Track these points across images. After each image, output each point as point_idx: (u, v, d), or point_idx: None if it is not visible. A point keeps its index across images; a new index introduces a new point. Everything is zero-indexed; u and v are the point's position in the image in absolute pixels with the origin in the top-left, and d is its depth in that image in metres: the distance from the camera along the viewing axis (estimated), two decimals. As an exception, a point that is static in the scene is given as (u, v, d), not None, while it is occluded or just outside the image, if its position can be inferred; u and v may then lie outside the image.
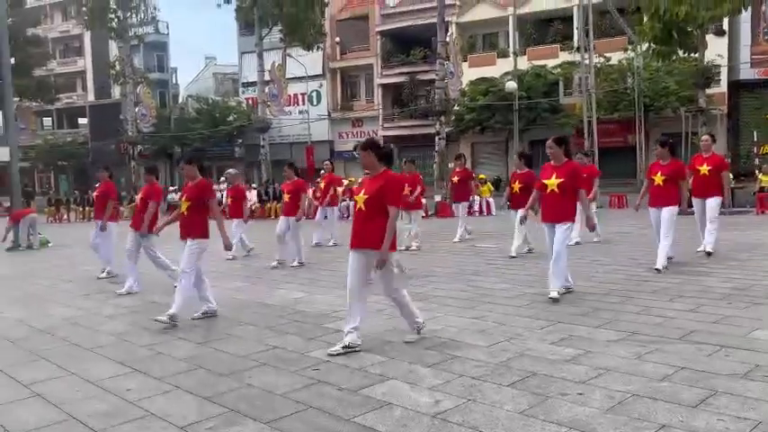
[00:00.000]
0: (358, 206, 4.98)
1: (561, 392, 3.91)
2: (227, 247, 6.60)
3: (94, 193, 10.11)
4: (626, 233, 12.50)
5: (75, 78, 50.56)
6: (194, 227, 6.23)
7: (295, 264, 9.82)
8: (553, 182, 6.51)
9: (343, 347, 4.88)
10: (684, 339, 4.91)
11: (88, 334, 5.96)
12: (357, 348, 4.91)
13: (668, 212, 7.95)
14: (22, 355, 5.29)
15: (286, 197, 10.17)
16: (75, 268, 10.75)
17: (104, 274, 9.34)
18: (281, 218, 10.24)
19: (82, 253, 11.70)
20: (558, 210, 6.50)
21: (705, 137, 9.72)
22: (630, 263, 8.74)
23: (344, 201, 20.19)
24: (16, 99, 32.52)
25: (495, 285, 7.53)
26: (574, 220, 6.65)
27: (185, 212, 6.33)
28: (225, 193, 12.74)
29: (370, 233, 4.84)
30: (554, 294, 6.42)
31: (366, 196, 4.91)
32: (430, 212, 19.84)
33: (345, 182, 20.95)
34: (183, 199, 6.44)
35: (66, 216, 25.66)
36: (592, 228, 6.89)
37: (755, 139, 27.44)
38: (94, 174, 10.15)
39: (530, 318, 5.83)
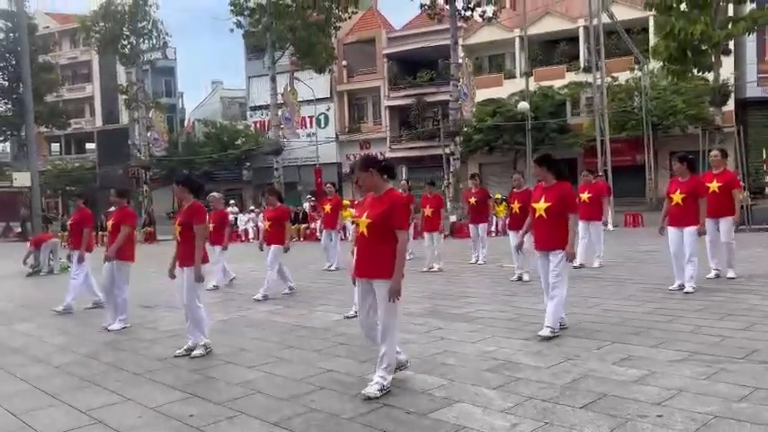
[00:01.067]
0: (360, 230, 4.54)
1: (639, 414, 3.82)
2: (198, 279, 5.87)
3: (69, 221, 9.52)
4: (652, 251, 12.40)
5: (84, 104, 50.91)
6: (190, 254, 5.82)
7: (259, 297, 8.92)
8: (541, 206, 5.94)
9: (380, 390, 4.39)
10: (749, 359, 4.82)
11: (133, 358, 5.88)
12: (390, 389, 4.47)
13: (690, 232, 7.64)
14: (72, 381, 5.20)
15: (266, 224, 9.45)
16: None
17: (92, 305, 8.88)
18: (266, 248, 9.34)
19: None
20: (548, 236, 5.89)
21: (714, 152, 9.18)
22: (665, 281, 8.61)
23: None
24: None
25: (534, 306, 7.40)
26: (565, 247, 5.84)
27: (179, 238, 5.97)
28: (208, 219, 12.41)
29: (378, 261, 4.41)
30: (545, 332, 5.73)
31: (369, 220, 4.46)
32: (446, 233, 19.78)
33: (347, 203, 20.96)
34: (177, 223, 6.06)
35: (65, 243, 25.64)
36: (570, 258, 5.95)
37: (765, 157, 27.52)
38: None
39: (580, 338, 5.74)
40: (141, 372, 5.38)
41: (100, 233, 24.88)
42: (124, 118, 49.46)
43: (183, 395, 4.68)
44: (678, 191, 7.77)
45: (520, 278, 9.46)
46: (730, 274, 8.54)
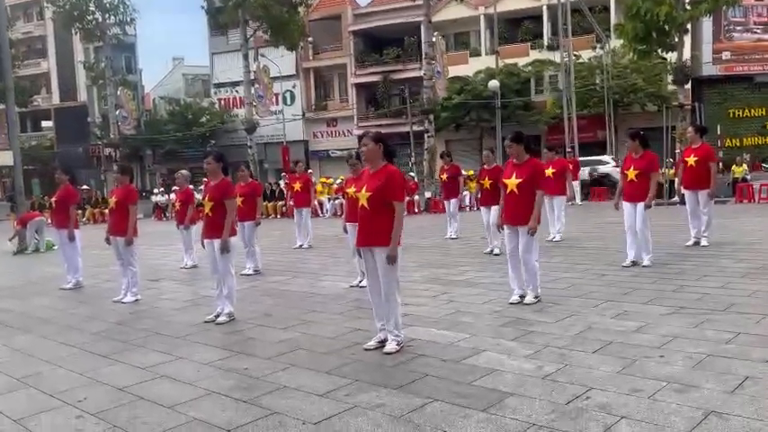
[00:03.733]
0: (360, 203, 4.87)
1: (644, 356, 4.43)
2: (223, 250, 6.17)
3: (54, 198, 9.22)
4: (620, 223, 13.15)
5: (39, 80, 49.46)
6: (221, 227, 6.20)
7: (250, 272, 9.17)
8: (513, 182, 6.17)
9: (398, 345, 4.86)
10: (728, 311, 5.50)
11: (166, 325, 6.25)
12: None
13: (640, 207, 7.76)
14: (117, 345, 5.56)
15: (239, 200, 8.58)
16: (103, 268, 10.75)
17: (70, 285, 8.81)
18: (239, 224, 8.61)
19: (95, 255, 11.77)
20: (519, 211, 6.13)
21: (689, 129, 9.77)
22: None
23: (338, 199, 20.63)
24: (-12, 103, 31.79)
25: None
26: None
27: (210, 213, 6.31)
28: (174, 197, 12.07)
29: (378, 230, 4.80)
30: (530, 299, 6.17)
31: (369, 193, 4.80)
32: (422, 209, 20.39)
33: (316, 181, 21.20)
34: (206, 199, 6.37)
35: (49, 220, 25.28)
36: (532, 232, 6.06)
37: (719, 133, 28.89)
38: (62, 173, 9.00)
39: (578, 298, 6.37)
40: (180, 335, 5.78)
41: (95, 210, 24.68)
42: (82, 95, 48.38)
43: (229, 353, 5.12)
44: (632, 167, 7.89)
45: (491, 251, 9.82)
46: (703, 242, 9.16)
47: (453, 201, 12.49)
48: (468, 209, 19.32)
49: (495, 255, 9.59)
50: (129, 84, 34.79)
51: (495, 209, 8.96)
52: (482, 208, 10.27)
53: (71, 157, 43.70)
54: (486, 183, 9.85)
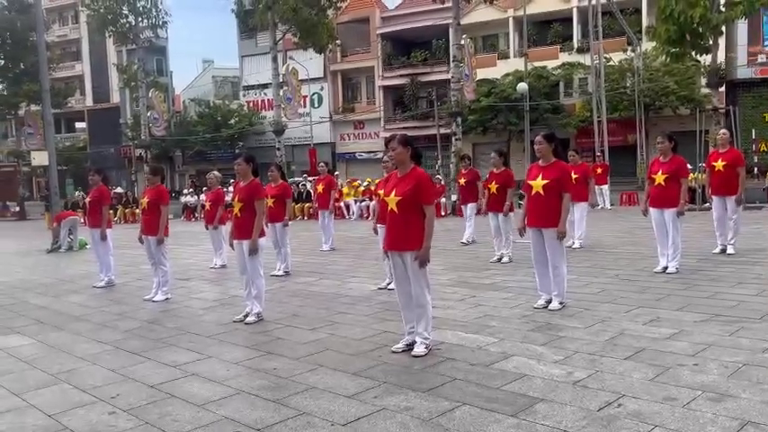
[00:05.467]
0: (389, 208, 4.84)
1: (678, 363, 4.35)
2: (252, 251, 6.26)
3: (87, 199, 9.51)
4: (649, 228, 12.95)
5: (74, 82, 50.55)
6: (250, 228, 6.25)
7: (280, 273, 9.22)
8: (539, 183, 6.05)
9: (426, 348, 4.85)
10: (765, 319, 5.37)
11: (195, 325, 6.32)
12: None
13: (671, 214, 7.64)
14: (148, 343, 5.64)
15: (270, 202, 8.88)
16: (134, 267, 10.89)
17: (103, 283, 8.94)
18: (270, 226, 8.89)
19: (126, 254, 11.97)
20: (544, 213, 6.01)
21: (723, 131, 9.53)
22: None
23: (364, 201, 20.67)
24: (24, 104, 32.65)
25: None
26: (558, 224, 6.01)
27: (239, 214, 6.36)
28: (205, 198, 12.06)
29: (409, 234, 4.77)
30: (555, 305, 6.08)
31: (399, 198, 4.77)
32: (449, 212, 20.32)
33: (341, 183, 21.22)
34: (236, 200, 6.43)
35: (83, 220, 25.73)
36: (561, 236, 6.01)
37: (754, 137, 28.34)
38: (95, 173, 9.33)
39: (609, 303, 6.28)
40: (210, 335, 5.84)
41: (126, 210, 25.16)
42: (115, 97, 49.28)
43: (258, 352, 5.15)
44: (660, 171, 7.70)
45: (499, 260, 9.46)
46: (730, 250, 8.91)
47: (471, 205, 12.09)
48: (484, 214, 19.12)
49: (504, 263, 9.27)
50: (160, 86, 35.34)
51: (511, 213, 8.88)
52: (489, 213, 9.74)
53: (103, 158, 44.68)
54: (494, 187, 9.45)
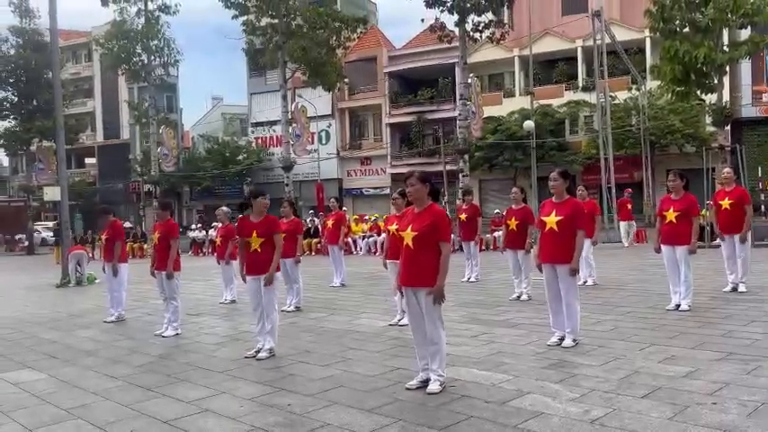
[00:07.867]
0: (405, 243, 4.88)
1: (696, 402, 4.31)
2: (267, 282, 6.30)
3: (104, 236, 9.76)
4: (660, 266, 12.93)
5: (85, 119, 51.28)
6: (268, 263, 6.30)
7: (291, 308, 9.24)
8: (552, 219, 6.10)
9: (440, 385, 4.82)
10: (781, 357, 5.33)
11: (207, 360, 6.31)
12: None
13: (683, 252, 7.64)
14: (161, 378, 5.63)
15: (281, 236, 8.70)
16: (142, 302, 10.92)
17: (113, 318, 9.01)
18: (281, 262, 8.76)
19: (134, 289, 11.97)
20: (558, 250, 6.04)
21: (727, 169, 9.63)
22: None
23: (372, 237, 20.72)
24: (36, 140, 33.11)
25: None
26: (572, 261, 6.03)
27: (258, 249, 6.37)
28: (215, 233, 12.24)
29: (423, 271, 4.78)
30: (568, 342, 6.06)
31: (414, 233, 4.80)
32: (455, 247, 20.29)
33: (350, 218, 21.30)
34: (255, 236, 6.42)
35: (92, 254, 25.93)
36: (573, 273, 6.08)
37: (760, 175, 28.40)
38: (102, 213, 9.86)
39: (623, 341, 6.25)
40: (222, 370, 5.82)
41: (135, 245, 25.30)
42: (125, 133, 49.88)
43: (272, 389, 5.13)
44: (671, 209, 7.73)
45: (519, 297, 9.26)
46: (741, 288, 8.84)
47: (472, 242, 11.94)
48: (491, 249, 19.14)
49: (524, 300, 9.09)
50: (170, 122, 35.82)
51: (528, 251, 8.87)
52: (508, 251, 9.54)
53: (112, 193, 45.03)
54: (513, 224, 9.32)
